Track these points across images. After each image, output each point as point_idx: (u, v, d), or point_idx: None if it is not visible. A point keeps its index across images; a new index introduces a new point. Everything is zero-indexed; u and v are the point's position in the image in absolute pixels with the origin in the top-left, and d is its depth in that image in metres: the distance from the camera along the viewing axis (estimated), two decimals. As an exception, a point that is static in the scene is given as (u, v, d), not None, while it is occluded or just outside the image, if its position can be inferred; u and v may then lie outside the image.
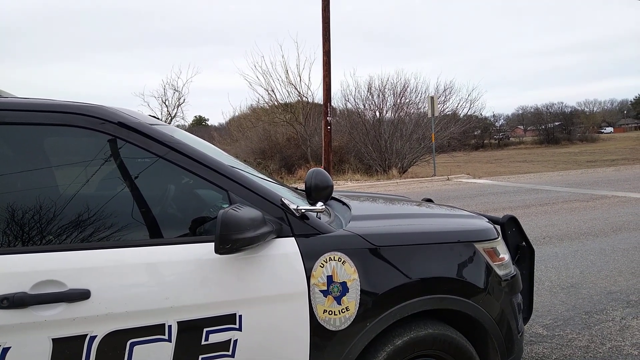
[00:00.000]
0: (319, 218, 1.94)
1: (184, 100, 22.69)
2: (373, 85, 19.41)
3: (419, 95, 19.62)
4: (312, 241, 1.80)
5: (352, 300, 1.80)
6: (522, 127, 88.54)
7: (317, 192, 1.95)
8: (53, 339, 1.44)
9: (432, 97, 15.93)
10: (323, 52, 13.56)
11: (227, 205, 1.85)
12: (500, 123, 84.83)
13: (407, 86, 19.40)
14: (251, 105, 24.12)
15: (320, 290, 1.76)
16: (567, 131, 71.14)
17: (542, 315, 3.60)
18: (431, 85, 20.34)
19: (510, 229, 2.76)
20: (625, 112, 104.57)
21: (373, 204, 2.73)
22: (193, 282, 1.61)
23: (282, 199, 1.82)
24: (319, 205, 1.88)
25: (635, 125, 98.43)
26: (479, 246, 2.13)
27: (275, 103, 19.51)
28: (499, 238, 2.29)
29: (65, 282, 1.46)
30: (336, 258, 1.80)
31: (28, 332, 1.42)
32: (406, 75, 27.01)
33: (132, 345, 1.52)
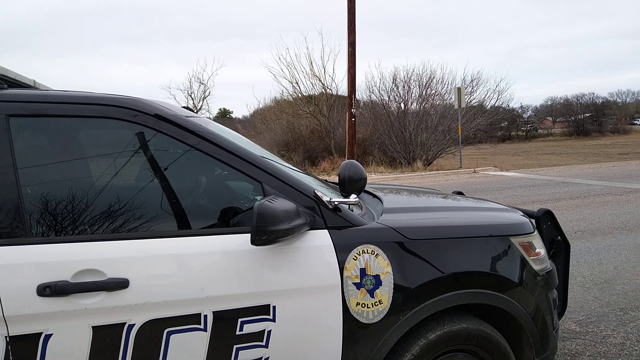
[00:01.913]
0: (352, 210, 1.93)
1: (210, 92, 22.95)
2: (398, 77, 19.20)
3: (445, 86, 19.32)
4: (345, 233, 1.79)
5: (385, 294, 1.78)
6: (550, 118, 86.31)
7: (350, 184, 1.93)
8: (93, 327, 1.47)
9: (459, 88, 15.66)
10: (348, 44, 13.46)
11: (261, 196, 1.86)
12: (528, 114, 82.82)
13: (433, 77, 19.11)
14: (275, 97, 24.20)
15: (353, 283, 1.75)
16: (598, 122, 68.92)
17: (575, 311, 3.51)
18: (458, 76, 20.07)
19: (546, 222, 2.69)
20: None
21: (404, 196, 2.70)
22: (228, 273, 1.62)
23: (315, 191, 1.82)
24: (352, 198, 1.86)
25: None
26: (514, 240, 2.08)
27: (299, 95, 19.51)
28: (535, 232, 2.24)
29: (105, 271, 1.49)
30: (369, 251, 1.78)
31: (69, 319, 1.46)
32: (432, 66, 26.65)
33: (169, 334, 1.54)
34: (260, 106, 25.11)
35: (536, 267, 2.13)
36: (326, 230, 1.78)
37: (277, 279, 1.67)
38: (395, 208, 2.18)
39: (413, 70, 19.20)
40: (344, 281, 1.74)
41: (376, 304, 1.77)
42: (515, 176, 13.49)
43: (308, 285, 1.71)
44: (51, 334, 1.45)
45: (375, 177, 14.21)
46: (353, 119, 13.43)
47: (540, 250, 2.22)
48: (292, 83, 19.14)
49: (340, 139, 18.83)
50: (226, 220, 1.82)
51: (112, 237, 1.56)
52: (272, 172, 1.79)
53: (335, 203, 1.82)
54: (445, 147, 18.92)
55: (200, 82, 21.73)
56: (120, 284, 1.49)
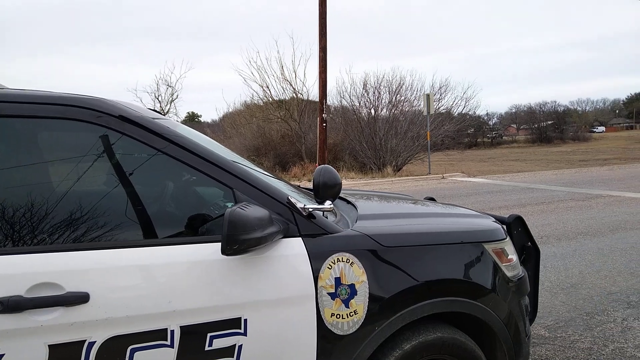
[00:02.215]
0: (326, 217, 1.88)
1: (177, 96, 22.51)
2: (368, 83, 19.35)
3: (415, 92, 19.59)
4: (320, 241, 1.74)
5: (360, 303, 1.74)
6: (515, 125, 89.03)
7: (325, 190, 1.88)
8: (49, 345, 1.36)
9: (427, 95, 15.91)
10: (319, 48, 13.47)
11: (232, 203, 1.79)
12: (493, 122, 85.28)
13: (403, 83, 19.35)
14: (245, 101, 23.96)
15: (327, 293, 1.70)
16: (560, 130, 71.60)
17: (543, 316, 3.56)
18: (427, 83, 20.38)
19: (516, 228, 2.71)
20: (617, 111, 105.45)
21: (378, 202, 2.67)
22: (197, 285, 1.54)
23: (289, 197, 1.76)
24: (327, 204, 1.81)
25: (627, 124, 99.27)
26: (487, 247, 2.08)
27: (270, 99, 19.38)
28: (507, 238, 2.24)
29: (63, 284, 1.38)
30: (344, 259, 1.74)
31: (23, 337, 1.34)
32: (402, 72, 26.98)
33: (133, 351, 1.45)
34: (230, 110, 24.83)
35: (509, 274, 2.13)
36: (300, 238, 1.72)
37: (248, 290, 1.60)
38: (370, 214, 2.14)
39: (383, 77, 19.50)
40: (318, 291, 1.68)
41: (351, 314, 1.72)
42: (482, 182, 13.77)
43: (281, 296, 1.64)
44: (3, 354, 1.33)
45: (346, 183, 14.23)
46: (324, 124, 13.42)
47: (513, 256, 2.22)
48: (262, 87, 19.01)
49: (311, 144, 18.81)
50: (194, 229, 1.74)
51: (71, 248, 1.46)
52: (244, 177, 1.72)
53: (310, 210, 1.76)
54: (414, 153, 19.17)
55: (167, 85, 21.30)
56: (80, 299, 1.38)
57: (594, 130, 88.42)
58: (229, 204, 1.84)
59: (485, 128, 78.00)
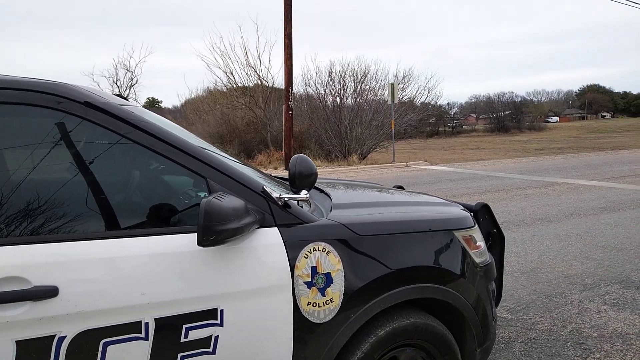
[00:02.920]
0: (301, 207, 1.87)
1: (137, 80, 21.78)
2: (334, 71, 19.34)
3: (379, 82, 19.75)
4: (296, 231, 1.73)
5: (336, 292, 1.75)
6: (474, 115, 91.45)
7: (301, 179, 1.87)
8: (17, 341, 1.30)
9: (392, 84, 16.06)
10: (285, 35, 13.32)
11: (204, 193, 1.75)
12: (454, 111, 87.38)
13: (367, 72, 19.46)
14: (208, 87, 23.45)
15: (304, 282, 1.70)
16: (517, 120, 74.17)
17: (505, 299, 3.70)
18: (391, 73, 20.59)
19: (483, 216, 2.79)
20: (570, 102, 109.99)
21: (351, 191, 2.68)
22: (171, 276, 1.50)
23: (264, 186, 1.74)
24: (303, 194, 1.80)
25: (579, 115, 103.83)
26: (457, 234, 2.13)
27: (234, 86, 19.05)
28: (476, 226, 2.30)
29: (29, 278, 1.32)
30: (320, 248, 1.74)
31: None
32: (367, 61, 27.06)
33: (106, 345, 1.40)
34: (192, 96, 24.25)
35: (477, 260, 2.20)
36: (276, 228, 1.70)
37: (224, 280, 1.57)
38: (344, 204, 2.14)
39: (348, 65, 19.47)
40: (294, 280, 1.68)
41: (327, 302, 1.73)
42: (444, 170, 14.09)
43: (258, 286, 1.63)
44: None
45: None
46: (290, 112, 13.34)
47: (481, 243, 2.28)
48: (226, 73, 18.64)
49: (277, 131, 18.67)
50: (165, 219, 1.69)
51: (38, 240, 1.39)
52: (218, 166, 1.68)
53: (285, 199, 1.75)
54: (379, 142, 19.38)
55: (127, 69, 20.57)
56: (48, 292, 1.32)
57: (549, 120, 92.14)
58: (201, 194, 1.80)
59: (446, 117, 79.83)
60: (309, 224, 1.77)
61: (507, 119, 74.83)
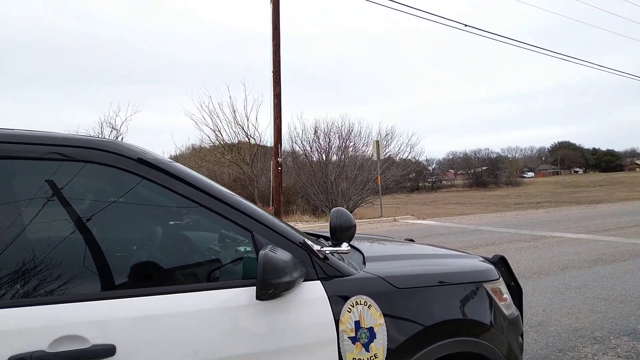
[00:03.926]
0: (340, 259, 1.87)
1: (123, 139, 21.83)
2: (319, 129, 19.80)
3: (363, 139, 20.24)
4: (337, 284, 1.73)
5: (379, 347, 1.72)
6: (452, 171, 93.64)
7: (342, 232, 1.88)
8: None
9: (377, 141, 16.47)
10: (274, 95, 13.70)
11: (245, 247, 1.75)
12: (432, 167, 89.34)
13: (352, 130, 19.98)
14: (192, 145, 23.62)
15: (348, 337, 1.67)
16: (494, 175, 76.03)
17: (518, 354, 3.64)
18: (374, 130, 21.13)
19: (500, 268, 2.81)
20: (543, 158, 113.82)
21: (376, 244, 2.69)
22: (223, 333, 1.47)
23: (305, 239, 1.75)
24: (345, 247, 1.82)
25: (553, 170, 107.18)
26: (487, 286, 2.14)
27: (222, 143, 19.25)
28: (501, 278, 2.33)
29: (87, 337, 1.28)
30: (362, 302, 1.73)
31: None
32: (350, 119, 27.84)
33: (160, 407, 1.34)
34: (178, 153, 24.33)
35: (506, 312, 2.20)
36: (319, 281, 1.70)
37: (274, 336, 1.54)
38: (376, 256, 2.15)
39: (333, 123, 19.97)
40: (339, 335, 1.65)
41: (371, 358, 1.70)
42: (432, 224, 14.20)
43: (305, 342, 1.60)
44: None
45: (302, 226, 14.17)
46: (279, 168, 13.46)
47: (507, 295, 2.30)
48: (214, 131, 18.88)
49: (264, 187, 18.73)
50: (207, 275, 1.67)
51: (96, 297, 1.36)
52: (262, 220, 1.70)
53: (327, 252, 1.76)
54: (364, 197, 19.56)
55: (112, 128, 20.63)
56: (106, 352, 1.28)
57: (525, 175, 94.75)
58: (241, 248, 1.79)
59: (426, 173, 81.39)
60: (349, 277, 1.77)
61: (484, 174, 76.79)
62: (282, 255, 1.51)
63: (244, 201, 1.73)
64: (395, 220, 15.74)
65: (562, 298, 5.20)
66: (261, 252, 1.44)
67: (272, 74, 13.98)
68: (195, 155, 22.00)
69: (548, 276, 6.32)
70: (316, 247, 1.75)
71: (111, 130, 20.31)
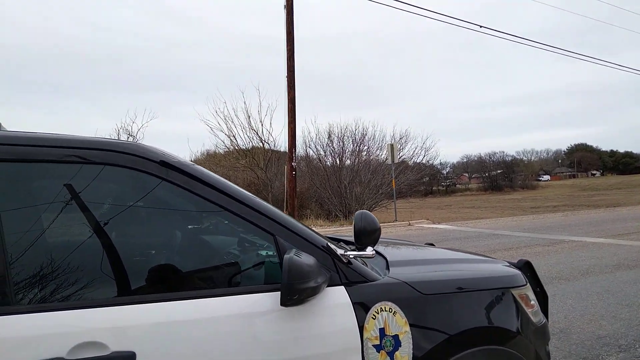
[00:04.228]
0: (364, 264, 1.83)
1: (140, 143, 21.96)
2: (333, 133, 19.79)
3: (377, 142, 20.17)
4: (362, 290, 1.68)
5: (405, 355, 1.67)
6: (467, 174, 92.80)
7: (366, 236, 1.83)
8: None
9: (391, 145, 16.37)
10: (288, 99, 13.72)
11: (267, 252, 1.72)
12: (447, 171, 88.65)
13: (365, 134, 19.92)
14: (207, 151, 23.74)
15: (373, 345, 1.63)
16: (509, 179, 75.16)
17: (542, 362, 3.55)
18: (388, 134, 21.00)
19: (525, 274, 2.74)
20: (559, 161, 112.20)
21: (399, 249, 2.64)
22: (244, 339, 1.44)
23: (328, 243, 1.71)
24: (369, 251, 1.77)
25: (570, 173, 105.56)
26: (514, 292, 2.07)
27: (236, 148, 19.33)
28: (528, 284, 2.26)
29: (107, 343, 1.25)
30: (387, 308, 1.68)
31: None
32: (364, 123, 27.77)
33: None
34: (193, 159, 24.52)
35: (534, 319, 2.13)
36: (343, 287, 1.66)
37: (297, 343, 1.51)
38: (400, 261, 2.11)
39: (346, 128, 19.94)
40: (364, 343, 1.61)
41: (396, 367, 1.65)
42: (447, 228, 14.05)
43: (329, 350, 1.55)
44: None
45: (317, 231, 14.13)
46: (294, 172, 13.45)
47: (534, 302, 2.23)
48: (229, 137, 18.97)
49: (278, 192, 18.74)
50: (228, 280, 1.64)
51: (115, 302, 1.33)
52: (285, 223, 1.66)
53: (351, 257, 1.72)
54: (378, 201, 19.46)
55: (129, 134, 20.85)
56: (126, 359, 1.25)
57: (540, 178, 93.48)
58: (263, 252, 1.76)
59: (440, 177, 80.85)
60: (374, 283, 1.73)
61: (499, 177, 75.97)
62: (307, 259, 1.48)
63: (266, 204, 1.70)
64: (410, 224, 15.62)
65: (583, 304, 5.07)
66: (286, 256, 1.41)
67: (286, 79, 14.02)
68: (209, 161, 22.12)
69: (568, 282, 6.18)
70: (340, 252, 1.71)
71: (128, 137, 20.52)
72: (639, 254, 8.03)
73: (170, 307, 1.38)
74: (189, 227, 1.70)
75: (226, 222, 1.70)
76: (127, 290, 1.41)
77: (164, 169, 1.53)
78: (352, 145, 19.82)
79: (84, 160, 1.44)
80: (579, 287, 5.86)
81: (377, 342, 1.63)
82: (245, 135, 18.92)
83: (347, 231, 13.71)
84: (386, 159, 17.69)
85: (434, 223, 16.15)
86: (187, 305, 1.41)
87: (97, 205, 1.49)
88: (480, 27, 15.47)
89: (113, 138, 1.55)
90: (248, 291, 1.54)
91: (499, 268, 2.26)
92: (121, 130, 19.46)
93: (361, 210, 1.94)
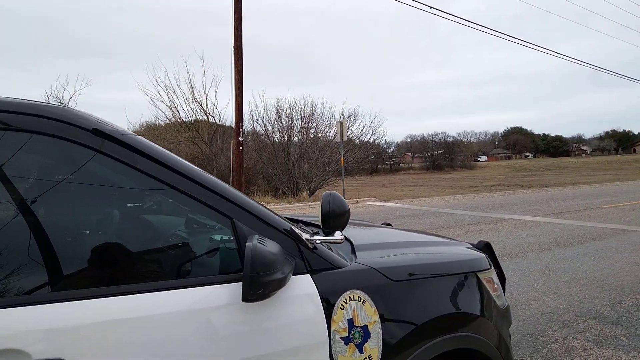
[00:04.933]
0: (330, 250, 1.66)
1: (72, 112, 20.47)
2: (281, 108, 19.39)
3: (326, 120, 20.02)
4: (329, 278, 1.52)
5: (374, 347, 1.53)
6: (410, 154, 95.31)
7: (334, 219, 1.65)
8: None
9: (341, 123, 16.27)
10: (235, 71, 13.19)
11: (221, 236, 1.51)
12: (391, 150, 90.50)
13: (315, 110, 19.70)
14: (146, 122, 22.59)
15: (341, 338, 1.47)
16: (450, 159, 78.03)
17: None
18: (336, 112, 20.88)
19: (485, 255, 2.70)
20: (496, 142, 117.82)
21: (360, 230, 2.49)
22: (196, 339, 1.23)
23: (292, 227, 1.52)
24: (338, 235, 1.60)
25: (505, 154, 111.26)
26: (480, 276, 2.00)
27: (178, 120, 18.49)
28: (492, 267, 2.19)
29: (29, 351, 1.01)
30: (356, 297, 1.53)
31: None
32: (313, 100, 27.47)
33: None
34: (131, 130, 23.26)
35: (499, 303, 2.07)
36: (308, 275, 1.48)
37: (258, 340, 1.32)
38: (367, 244, 1.96)
39: (295, 103, 19.61)
40: (331, 336, 1.45)
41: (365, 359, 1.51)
42: (394, 206, 14.27)
43: (294, 345, 1.38)
44: None
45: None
46: (241, 148, 13.05)
47: (498, 285, 2.17)
48: (171, 108, 18.08)
49: (223, 167, 18.21)
50: (175, 270, 1.42)
51: (38, 300, 1.08)
52: (244, 205, 1.45)
53: (318, 242, 1.54)
54: (326, 179, 19.44)
55: (59, 102, 19.36)
56: None
57: (478, 159, 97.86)
58: (216, 236, 1.55)
59: (384, 155, 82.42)
60: (341, 270, 1.57)
61: (440, 157, 78.61)
62: (272, 246, 1.28)
63: (222, 182, 1.48)
64: (357, 202, 15.72)
65: (527, 281, 5.25)
66: (248, 243, 1.21)
67: (233, 49, 13.45)
68: (149, 133, 21.05)
69: (511, 259, 6.39)
70: (305, 236, 1.53)
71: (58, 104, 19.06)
72: (573, 232, 8.48)
73: (108, 303, 1.15)
74: (128, 206, 1.45)
75: (174, 202, 1.47)
76: (55, 285, 1.16)
77: (98, 138, 1.26)
78: (300, 122, 19.57)
79: (6, 126, 1.16)
80: (521, 264, 6.07)
81: (346, 335, 1.48)
82: (188, 107, 18.16)
83: (295, 209, 13.58)
84: (335, 137, 17.64)
85: (380, 201, 16.36)
86: (127, 301, 1.18)
87: (15, 180, 1.21)
88: (430, 7, 15.51)
89: (40, 101, 1.26)
90: (200, 283, 1.33)
91: (465, 251, 2.18)
92: (50, 97, 18.05)
93: (329, 191, 1.76)
